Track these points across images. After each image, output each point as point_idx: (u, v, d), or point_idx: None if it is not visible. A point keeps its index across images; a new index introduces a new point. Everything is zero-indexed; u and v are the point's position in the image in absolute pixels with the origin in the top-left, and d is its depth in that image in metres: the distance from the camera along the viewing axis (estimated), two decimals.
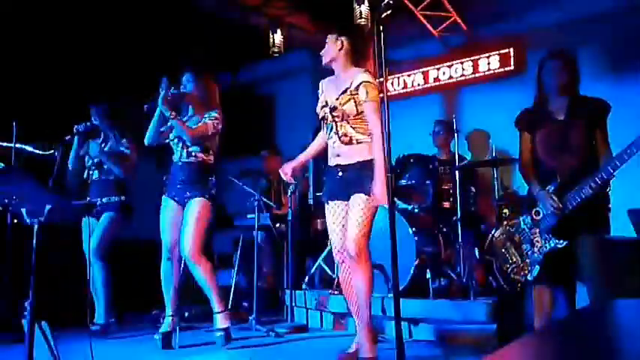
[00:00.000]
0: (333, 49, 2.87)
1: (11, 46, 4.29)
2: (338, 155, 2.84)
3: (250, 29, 5.33)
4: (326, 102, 2.88)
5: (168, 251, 3.44)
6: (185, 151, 3.44)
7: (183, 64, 3.55)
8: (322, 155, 3.01)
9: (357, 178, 2.75)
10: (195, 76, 3.50)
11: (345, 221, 2.80)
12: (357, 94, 2.76)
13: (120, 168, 3.98)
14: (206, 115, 3.42)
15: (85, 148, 4.07)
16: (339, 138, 2.81)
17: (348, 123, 2.79)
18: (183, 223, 3.37)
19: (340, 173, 2.83)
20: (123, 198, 4.02)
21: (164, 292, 3.46)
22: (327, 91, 2.91)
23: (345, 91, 2.80)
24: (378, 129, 2.62)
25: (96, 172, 4.03)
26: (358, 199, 2.73)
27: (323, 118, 2.89)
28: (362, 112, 2.77)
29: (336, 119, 2.81)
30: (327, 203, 2.91)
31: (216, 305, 3.38)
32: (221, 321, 3.38)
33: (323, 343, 2.87)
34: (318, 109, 2.95)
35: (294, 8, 5.24)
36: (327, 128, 2.89)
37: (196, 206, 3.37)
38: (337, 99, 2.81)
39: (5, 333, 3.28)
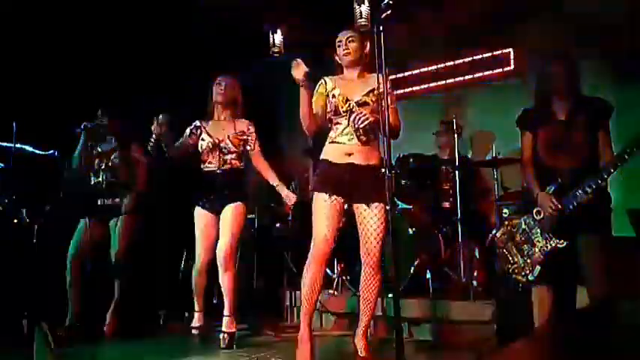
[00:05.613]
0: (363, 49, 2.87)
1: (11, 46, 4.28)
2: (350, 154, 2.77)
3: (250, 29, 5.32)
4: (346, 98, 2.81)
5: (201, 263, 3.50)
6: (222, 158, 3.49)
7: (183, 64, 3.56)
8: (312, 129, 2.87)
9: (373, 184, 2.68)
10: (230, 80, 3.67)
11: (339, 221, 2.79)
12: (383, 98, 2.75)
13: (136, 173, 3.98)
14: (248, 136, 3.56)
15: (88, 150, 4.04)
16: (358, 136, 2.76)
17: None
18: (220, 229, 3.44)
19: (352, 174, 2.76)
20: (131, 200, 3.96)
21: (195, 295, 3.56)
22: (344, 88, 2.84)
23: (372, 91, 2.77)
24: (399, 129, 2.82)
25: (107, 173, 3.95)
26: (377, 209, 2.74)
27: (345, 111, 2.79)
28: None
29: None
30: (329, 196, 2.76)
31: (228, 308, 3.44)
32: (229, 324, 3.42)
33: (323, 343, 2.86)
34: (335, 103, 2.82)
35: (294, 8, 5.24)
36: (340, 124, 2.81)
37: (234, 212, 3.45)
38: (366, 95, 2.79)
39: (5, 333, 3.28)
